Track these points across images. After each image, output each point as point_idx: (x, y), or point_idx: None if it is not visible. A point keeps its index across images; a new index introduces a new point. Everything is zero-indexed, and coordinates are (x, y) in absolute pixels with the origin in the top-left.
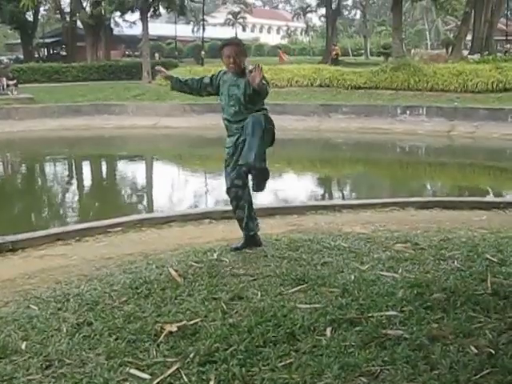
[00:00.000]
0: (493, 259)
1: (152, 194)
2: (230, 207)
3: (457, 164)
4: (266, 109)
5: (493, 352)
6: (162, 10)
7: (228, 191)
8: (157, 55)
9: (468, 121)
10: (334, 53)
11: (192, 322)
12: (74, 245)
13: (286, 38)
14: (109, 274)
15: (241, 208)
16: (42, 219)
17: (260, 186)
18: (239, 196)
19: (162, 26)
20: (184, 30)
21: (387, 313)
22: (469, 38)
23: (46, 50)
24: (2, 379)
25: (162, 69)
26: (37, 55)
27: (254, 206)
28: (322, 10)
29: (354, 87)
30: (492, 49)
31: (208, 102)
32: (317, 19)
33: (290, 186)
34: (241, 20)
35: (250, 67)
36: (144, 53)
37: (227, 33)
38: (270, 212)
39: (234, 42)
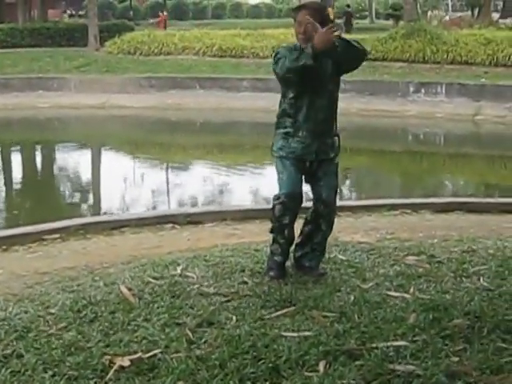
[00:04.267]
0: None
1: (99, 193)
2: (196, 209)
3: (484, 156)
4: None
5: None
6: None
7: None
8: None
9: (498, 102)
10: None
11: (149, 355)
12: None
13: None
14: (44, 292)
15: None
16: None
17: None
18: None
19: None
20: None
21: (395, 343)
22: None
23: None
24: None
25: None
26: None
27: (229, 208)
28: None
29: None
30: None
31: (171, 75)
32: None
33: (272, 183)
34: None
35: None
36: (91, 12)
37: None
38: (249, 215)
39: (312, 6)
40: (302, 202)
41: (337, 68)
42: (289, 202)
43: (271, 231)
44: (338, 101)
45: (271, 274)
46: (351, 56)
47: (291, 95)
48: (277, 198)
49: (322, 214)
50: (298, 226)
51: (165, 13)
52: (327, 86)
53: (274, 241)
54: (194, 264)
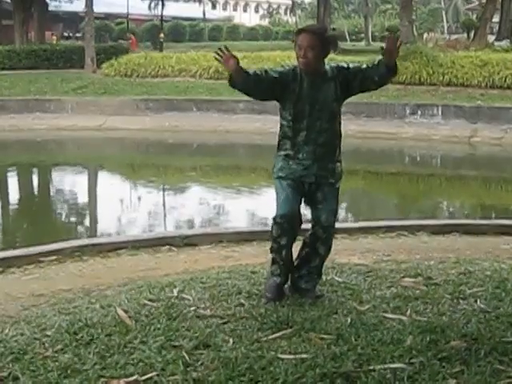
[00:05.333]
0: None
1: (96, 214)
2: (193, 231)
3: (480, 178)
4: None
5: None
6: None
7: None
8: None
9: (494, 124)
10: None
11: (146, 377)
12: None
13: (267, 18)
14: (40, 315)
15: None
16: None
17: None
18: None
19: (111, 1)
20: (138, 7)
21: (392, 365)
22: (496, 19)
23: None
24: None
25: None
26: None
27: (226, 230)
28: None
29: None
30: None
31: (168, 97)
32: None
33: (269, 205)
34: None
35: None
36: (87, 35)
37: (193, 10)
38: (246, 237)
39: (312, 30)
40: (299, 223)
41: (342, 90)
42: (285, 223)
43: (271, 251)
44: None
45: (268, 295)
46: (386, 74)
47: (289, 117)
48: (275, 218)
49: (320, 237)
50: (297, 247)
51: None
52: (329, 109)
53: (274, 261)
54: (190, 286)
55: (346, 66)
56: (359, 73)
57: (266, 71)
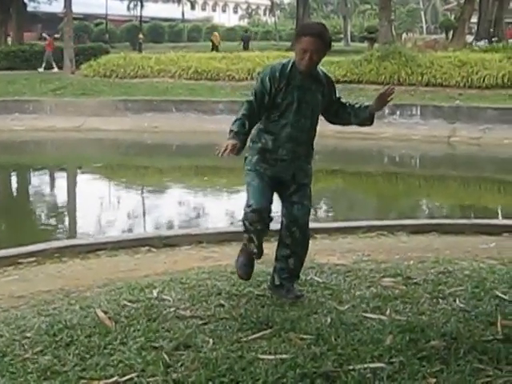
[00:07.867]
0: (504, 297)
1: (75, 216)
2: (172, 232)
3: (459, 178)
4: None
5: None
6: None
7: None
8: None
9: (473, 123)
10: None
11: (125, 378)
12: None
13: (246, 19)
14: (19, 316)
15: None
16: None
17: None
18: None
19: (90, 2)
20: (117, 7)
21: (372, 365)
22: (474, 20)
23: None
24: None
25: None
26: None
27: (206, 230)
28: None
29: None
30: (502, 34)
31: (147, 97)
32: None
33: None
34: None
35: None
36: (66, 36)
37: (172, 11)
38: (225, 238)
39: (319, 33)
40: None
41: (327, 100)
42: (258, 215)
43: (245, 238)
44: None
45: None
46: (361, 121)
47: (277, 113)
48: (246, 212)
49: (296, 237)
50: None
51: (50, 35)
52: (314, 109)
53: (248, 240)
54: (170, 287)
55: (334, 87)
56: (340, 104)
57: (255, 97)
